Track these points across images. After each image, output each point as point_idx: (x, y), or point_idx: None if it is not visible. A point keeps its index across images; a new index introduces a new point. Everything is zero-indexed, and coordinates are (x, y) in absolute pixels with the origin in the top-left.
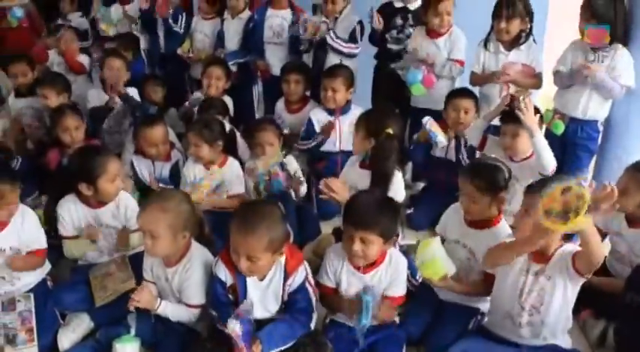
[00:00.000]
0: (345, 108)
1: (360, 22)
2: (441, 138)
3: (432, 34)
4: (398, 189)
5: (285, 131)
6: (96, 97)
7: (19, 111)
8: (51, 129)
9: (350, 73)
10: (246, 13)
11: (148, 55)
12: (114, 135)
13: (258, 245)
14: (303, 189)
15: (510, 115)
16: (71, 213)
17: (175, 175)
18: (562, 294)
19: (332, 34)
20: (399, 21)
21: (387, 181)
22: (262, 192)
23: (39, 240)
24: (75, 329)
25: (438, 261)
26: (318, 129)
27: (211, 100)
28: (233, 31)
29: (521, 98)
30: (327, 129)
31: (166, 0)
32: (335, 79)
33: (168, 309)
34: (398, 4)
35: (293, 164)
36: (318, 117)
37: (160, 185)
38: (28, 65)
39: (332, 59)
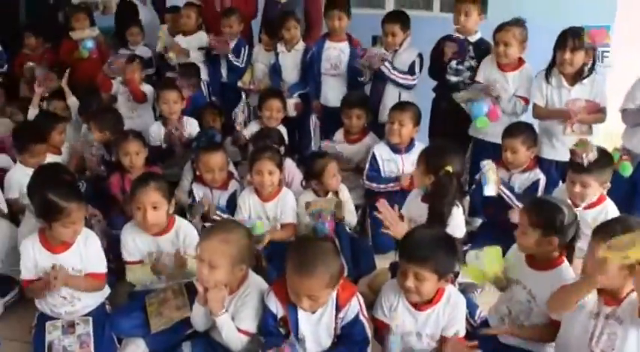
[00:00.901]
0: (409, 147)
1: (420, 55)
2: (490, 188)
3: (501, 65)
4: (457, 225)
5: (337, 148)
6: (157, 132)
7: (88, 142)
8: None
9: (418, 111)
10: (301, 45)
11: (208, 85)
12: (173, 168)
13: (319, 285)
14: (352, 219)
15: (581, 165)
16: (135, 239)
17: (233, 205)
18: (635, 339)
19: (388, 65)
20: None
21: (442, 219)
22: (306, 228)
23: (100, 263)
24: None
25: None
26: (381, 165)
27: (268, 130)
28: (291, 63)
29: (584, 156)
30: (405, 182)
31: (224, 40)
32: (403, 113)
33: (227, 323)
34: (458, 36)
35: (345, 193)
36: (382, 153)
37: (218, 212)
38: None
39: (390, 90)
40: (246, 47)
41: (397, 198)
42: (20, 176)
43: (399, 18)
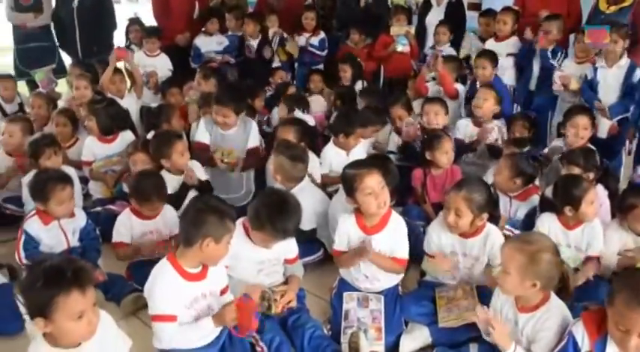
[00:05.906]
0: None
1: None
2: None
3: None
4: None
5: None
6: (464, 127)
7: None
8: None
9: None
10: (625, 60)
11: (514, 91)
12: (471, 166)
13: None
14: None
15: None
16: (440, 236)
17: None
18: None
19: None
20: None
21: None
22: None
23: (404, 249)
24: (416, 338)
25: None
26: None
27: (580, 150)
28: (611, 80)
29: None
30: None
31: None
32: None
33: None
34: None
35: None
36: None
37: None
38: (405, 108)
39: None
40: (563, 51)
41: None
42: (332, 154)
43: None
